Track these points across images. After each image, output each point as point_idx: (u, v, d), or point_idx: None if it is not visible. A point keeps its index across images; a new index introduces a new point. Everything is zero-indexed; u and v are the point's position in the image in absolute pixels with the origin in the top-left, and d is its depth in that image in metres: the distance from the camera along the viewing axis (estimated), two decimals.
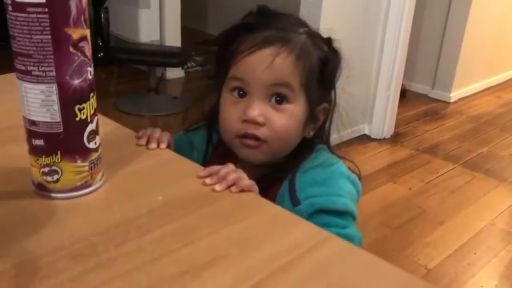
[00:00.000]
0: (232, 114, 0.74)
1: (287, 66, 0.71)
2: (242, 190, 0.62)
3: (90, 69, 0.56)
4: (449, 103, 3.76)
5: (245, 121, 0.72)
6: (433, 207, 2.33)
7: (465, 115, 3.57)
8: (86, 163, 0.59)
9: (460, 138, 3.14)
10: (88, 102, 0.57)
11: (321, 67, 0.75)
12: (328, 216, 0.69)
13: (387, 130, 3.05)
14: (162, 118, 3.19)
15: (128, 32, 3.77)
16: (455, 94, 3.80)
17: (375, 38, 2.86)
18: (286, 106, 0.73)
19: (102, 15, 4.04)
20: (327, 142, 0.81)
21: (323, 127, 0.80)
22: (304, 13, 0.79)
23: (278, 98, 0.72)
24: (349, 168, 0.77)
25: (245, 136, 0.73)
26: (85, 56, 0.55)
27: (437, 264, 1.91)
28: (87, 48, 0.55)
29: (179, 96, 3.50)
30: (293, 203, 0.70)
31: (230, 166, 0.65)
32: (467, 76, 3.85)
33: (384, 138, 3.03)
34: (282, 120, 0.72)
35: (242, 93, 0.74)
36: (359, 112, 2.95)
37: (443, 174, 2.65)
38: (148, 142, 0.74)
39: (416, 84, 3.91)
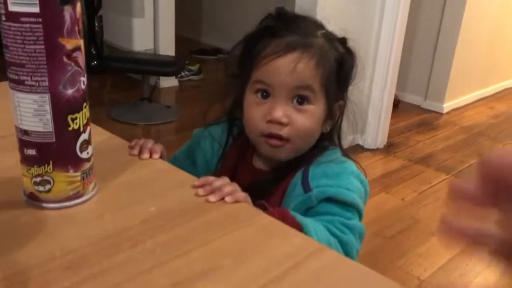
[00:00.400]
0: (257, 113, 0.78)
1: (309, 70, 0.75)
2: (237, 201, 0.62)
3: (83, 79, 0.56)
4: (441, 114, 3.78)
5: (269, 121, 0.76)
6: (426, 217, 2.33)
7: (458, 125, 3.59)
8: (78, 173, 0.58)
9: (453, 149, 3.15)
10: (81, 112, 0.57)
11: (338, 67, 0.79)
12: (336, 206, 0.72)
13: (380, 140, 3.06)
14: (155, 127, 3.18)
15: (122, 41, 3.77)
16: (447, 105, 3.82)
17: (368, 49, 2.87)
18: (307, 107, 0.77)
19: (96, 24, 4.04)
20: (339, 139, 0.86)
21: (337, 124, 0.85)
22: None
23: (299, 100, 0.76)
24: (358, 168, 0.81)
25: (270, 135, 0.77)
26: (79, 66, 0.55)
27: (430, 275, 1.91)
28: (81, 58, 0.55)
29: (172, 105, 3.50)
30: (305, 190, 0.75)
31: (226, 179, 0.65)
32: (459, 87, 3.87)
33: (377, 149, 3.04)
34: (304, 120, 0.77)
35: (265, 95, 0.78)
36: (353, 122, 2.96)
37: (435, 184, 2.66)
38: (140, 152, 0.74)
39: (409, 95, 3.93)
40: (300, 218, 0.65)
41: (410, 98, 3.93)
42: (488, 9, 3.80)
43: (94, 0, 3.93)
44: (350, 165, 0.80)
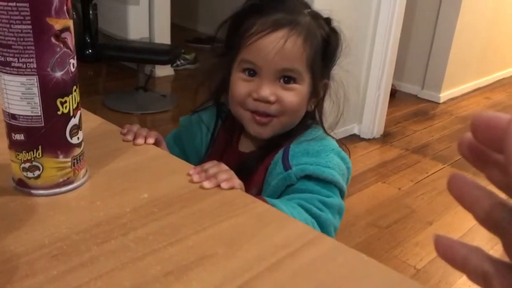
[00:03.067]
0: (243, 89, 0.78)
1: (297, 48, 0.75)
2: (232, 188, 0.61)
3: (73, 61, 0.54)
4: (438, 103, 3.77)
5: (256, 99, 0.77)
6: (422, 207, 2.33)
7: (454, 115, 3.58)
8: (69, 159, 0.57)
9: (449, 139, 3.14)
10: (70, 96, 0.55)
11: (324, 46, 0.80)
12: (315, 183, 0.73)
13: (377, 130, 3.05)
14: (150, 116, 3.16)
15: (116, 29, 3.73)
16: (444, 95, 3.81)
17: (365, 39, 2.85)
18: (293, 85, 0.78)
19: (91, 12, 3.99)
20: (320, 117, 0.86)
21: (320, 103, 0.85)
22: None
23: (286, 79, 0.77)
24: (340, 146, 0.82)
25: (257, 113, 0.78)
26: (68, 47, 0.53)
27: (426, 264, 1.91)
28: (70, 39, 0.53)
29: (167, 94, 3.47)
30: (285, 168, 0.75)
31: (222, 166, 0.64)
32: (456, 77, 3.86)
33: (374, 138, 3.03)
34: (291, 98, 0.77)
35: (252, 73, 0.78)
36: (349, 112, 2.95)
37: (432, 174, 2.65)
38: (135, 138, 0.72)
39: (406, 84, 3.92)
40: (277, 204, 0.64)
41: (407, 87, 3.92)
42: (485, 0, 3.78)
43: None
44: (331, 142, 0.80)
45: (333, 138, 0.83)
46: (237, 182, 0.62)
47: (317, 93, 0.83)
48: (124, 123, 0.77)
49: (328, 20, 0.82)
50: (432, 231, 2.14)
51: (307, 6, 0.81)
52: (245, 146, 0.85)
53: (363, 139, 3.01)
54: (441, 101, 3.79)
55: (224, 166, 0.64)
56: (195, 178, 0.61)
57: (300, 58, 0.76)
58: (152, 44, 3.58)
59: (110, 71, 3.93)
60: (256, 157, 0.81)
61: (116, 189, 0.59)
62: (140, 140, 0.71)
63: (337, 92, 0.84)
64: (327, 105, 0.86)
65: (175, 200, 0.57)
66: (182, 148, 0.91)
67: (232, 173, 0.63)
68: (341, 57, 0.84)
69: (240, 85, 0.78)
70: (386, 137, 3.07)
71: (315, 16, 0.80)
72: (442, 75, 3.74)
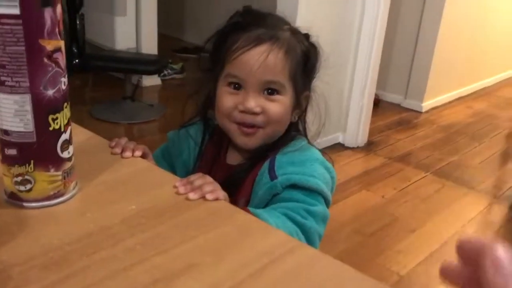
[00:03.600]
0: (229, 102, 0.81)
1: (279, 61, 0.79)
2: (217, 199, 0.63)
3: (64, 80, 0.57)
4: (421, 112, 3.84)
5: (242, 111, 0.80)
6: (405, 214, 2.37)
7: (436, 124, 3.65)
8: (59, 173, 0.59)
9: (432, 147, 3.20)
10: (61, 112, 0.57)
11: (304, 60, 0.84)
12: (300, 192, 0.76)
13: (361, 139, 3.09)
14: (137, 126, 3.17)
15: (104, 40, 3.74)
16: (427, 104, 3.88)
17: (348, 49, 2.91)
18: (277, 97, 0.81)
19: (78, 22, 3.99)
20: (304, 128, 0.90)
21: (304, 114, 0.89)
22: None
23: (270, 91, 0.81)
24: (324, 156, 0.85)
25: (243, 124, 0.81)
26: (59, 67, 0.55)
27: (409, 271, 1.94)
28: (61, 59, 0.56)
29: (155, 104, 3.49)
30: (271, 178, 0.78)
31: (207, 178, 0.67)
32: (438, 86, 3.94)
33: (358, 147, 3.08)
34: (276, 108, 0.81)
35: (238, 86, 0.81)
36: (333, 122, 2.99)
37: (415, 182, 2.70)
38: (123, 151, 0.74)
39: (389, 94, 3.98)
40: (262, 215, 0.66)
41: (391, 97, 3.98)
42: (467, 10, 3.87)
43: None
44: (315, 152, 0.84)
45: (317, 148, 0.86)
46: (221, 193, 0.65)
47: (300, 105, 0.86)
48: (112, 133, 0.80)
49: (307, 36, 0.86)
50: (414, 238, 2.18)
51: (287, 23, 0.85)
52: (233, 159, 0.88)
53: (348, 148, 3.05)
54: (424, 110, 3.86)
55: (209, 178, 0.67)
56: (181, 190, 0.64)
57: (282, 70, 0.80)
58: (139, 54, 3.60)
59: (97, 81, 3.94)
60: (244, 169, 0.84)
61: (105, 201, 0.62)
62: (127, 153, 0.74)
63: (319, 104, 0.88)
64: (310, 116, 0.90)
65: (162, 211, 0.60)
66: (170, 163, 0.93)
67: (216, 184, 0.66)
68: (320, 70, 0.87)
69: (226, 98, 0.82)
70: (370, 146, 3.12)
71: (294, 31, 0.84)
72: (424, 85, 3.80)
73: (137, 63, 3.23)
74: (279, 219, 0.69)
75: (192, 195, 0.63)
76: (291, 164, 0.79)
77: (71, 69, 4.10)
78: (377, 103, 3.59)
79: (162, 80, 3.95)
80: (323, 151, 0.87)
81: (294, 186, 0.76)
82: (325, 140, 2.93)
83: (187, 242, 0.54)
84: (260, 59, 0.78)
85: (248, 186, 0.81)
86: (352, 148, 3.05)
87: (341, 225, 2.20)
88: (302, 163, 0.79)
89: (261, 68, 0.78)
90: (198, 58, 0.94)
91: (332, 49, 2.71)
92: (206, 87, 0.88)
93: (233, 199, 0.72)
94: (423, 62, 3.77)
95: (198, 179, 0.66)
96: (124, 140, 0.77)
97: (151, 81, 3.83)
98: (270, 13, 0.85)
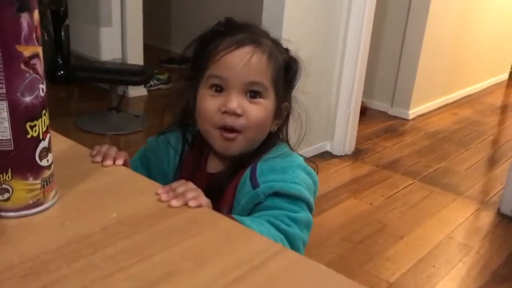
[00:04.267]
0: (211, 105, 0.80)
1: (262, 64, 0.79)
2: (200, 206, 0.63)
3: (42, 86, 0.56)
4: (407, 120, 3.87)
5: (224, 112, 0.79)
6: (393, 221, 2.38)
7: (423, 131, 3.67)
8: (38, 181, 0.58)
9: (418, 154, 3.22)
10: (40, 119, 0.56)
11: (286, 68, 0.84)
12: (283, 200, 0.75)
13: (348, 147, 3.10)
14: (124, 137, 3.15)
15: (89, 50, 3.72)
16: (413, 112, 3.91)
17: (334, 59, 2.92)
18: (260, 100, 0.80)
19: (63, 33, 3.98)
20: (286, 137, 0.89)
21: (284, 125, 0.88)
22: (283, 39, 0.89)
23: (252, 93, 0.80)
24: (306, 162, 0.85)
25: (224, 127, 0.79)
26: (37, 73, 0.55)
27: (398, 277, 1.94)
28: (39, 65, 0.55)
29: (141, 115, 3.47)
30: (253, 187, 0.77)
31: (190, 185, 0.66)
32: (424, 94, 3.97)
33: (346, 155, 3.09)
34: (258, 111, 0.80)
35: (219, 89, 0.80)
36: (321, 130, 3.00)
37: (402, 189, 2.71)
38: (103, 159, 0.74)
39: (376, 102, 4.01)
40: (245, 223, 0.66)
41: (377, 105, 4.01)
42: (450, 20, 3.92)
43: (60, 10, 3.88)
44: (297, 158, 0.83)
45: (298, 154, 0.86)
46: (204, 200, 0.64)
47: (280, 114, 0.86)
48: (97, 144, 0.79)
49: (286, 50, 0.86)
50: (403, 245, 2.19)
51: (267, 33, 0.85)
52: (213, 167, 0.87)
53: (335, 156, 3.06)
54: (410, 117, 3.89)
55: (191, 185, 0.66)
56: (163, 197, 0.63)
57: (266, 73, 0.80)
58: (124, 65, 3.58)
59: (83, 92, 3.91)
60: (225, 177, 0.83)
61: (86, 210, 0.61)
62: (108, 162, 0.73)
63: (300, 114, 0.88)
64: (291, 125, 0.89)
65: (143, 219, 0.59)
66: (148, 169, 0.92)
67: (199, 191, 0.65)
68: (301, 82, 0.87)
69: (208, 101, 0.80)
70: (357, 154, 3.13)
71: (276, 42, 0.84)
72: (410, 93, 3.83)
73: (122, 74, 3.21)
74: (263, 226, 0.69)
75: (174, 202, 0.62)
76: (272, 171, 0.78)
77: (56, 81, 4.09)
78: (364, 111, 3.61)
79: (148, 91, 3.93)
80: (308, 159, 0.86)
81: (276, 194, 0.75)
82: (312, 149, 2.93)
83: (168, 249, 0.54)
84: (245, 59, 0.77)
85: (230, 194, 0.81)
86: (340, 156, 3.06)
87: (330, 233, 2.20)
88: (284, 170, 0.78)
89: (245, 68, 0.77)
90: (178, 67, 0.94)
91: (317, 58, 2.76)
92: (186, 96, 0.86)
93: (216, 208, 0.71)
94: (409, 70, 3.80)
95: (181, 186, 0.65)
96: (105, 147, 0.76)
97: (137, 92, 3.81)
98: (252, 24, 0.85)
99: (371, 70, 3.41)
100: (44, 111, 0.57)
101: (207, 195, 0.67)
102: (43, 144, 0.58)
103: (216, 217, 0.61)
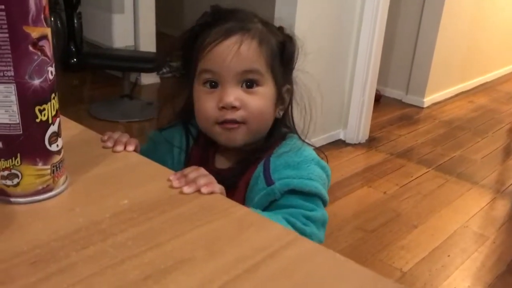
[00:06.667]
0: (208, 103, 0.77)
1: (252, 51, 0.75)
2: (212, 192, 0.61)
3: (51, 69, 0.55)
4: (422, 108, 3.82)
5: (222, 108, 0.76)
6: (408, 210, 2.35)
7: (438, 119, 3.62)
8: (48, 166, 0.57)
9: (433, 142, 3.18)
10: (49, 103, 0.55)
11: (281, 50, 0.80)
12: (298, 197, 0.73)
13: (362, 135, 3.07)
14: (136, 124, 3.15)
15: (101, 38, 3.72)
16: (428, 99, 3.86)
17: (348, 44, 2.88)
18: (257, 89, 0.77)
19: (75, 21, 3.98)
20: (293, 126, 0.86)
21: (289, 109, 0.85)
22: (278, 18, 0.81)
23: (248, 83, 0.77)
24: (316, 151, 0.82)
25: (224, 122, 0.77)
26: (46, 55, 0.53)
27: (412, 267, 1.92)
28: (48, 47, 0.53)
29: (153, 102, 3.47)
30: (267, 184, 0.74)
31: (201, 170, 0.64)
32: (439, 81, 3.91)
33: (359, 143, 3.06)
34: (256, 101, 0.77)
35: (214, 84, 0.77)
36: (334, 118, 2.97)
37: (417, 178, 2.68)
38: (114, 145, 0.72)
39: (391, 89, 3.96)
40: (262, 215, 0.64)
41: (392, 92, 3.96)
42: (467, 5, 3.84)
43: None
44: (310, 152, 0.80)
45: (310, 145, 0.83)
46: (217, 186, 0.62)
47: (283, 99, 0.82)
48: (110, 132, 0.77)
49: (280, 28, 0.82)
50: (417, 234, 2.16)
51: (257, 16, 0.81)
52: (222, 163, 0.84)
53: (349, 144, 3.03)
54: (425, 105, 3.83)
55: (203, 171, 0.64)
56: (175, 183, 0.62)
57: (258, 59, 0.76)
58: (137, 52, 3.57)
59: (95, 79, 3.92)
60: (235, 173, 0.80)
61: (96, 196, 0.60)
62: (119, 147, 0.71)
63: (303, 98, 0.84)
64: (296, 113, 0.85)
65: (154, 206, 0.58)
66: None
67: (212, 177, 0.64)
68: (299, 61, 0.84)
69: (204, 99, 0.78)
70: (371, 142, 3.10)
71: (266, 23, 0.80)
72: (425, 80, 3.78)
73: (134, 61, 3.20)
74: (281, 222, 0.66)
75: (186, 189, 0.61)
76: (287, 167, 0.75)
77: (68, 68, 4.10)
78: (378, 98, 3.57)
79: (161, 78, 3.92)
80: (318, 148, 0.84)
81: (292, 191, 0.73)
82: (326, 137, 2.90)
83: (180, 237, 0.52)
84: (233, 49, 0.74)
85: (241, 191, 0.78)
86: (353, 145, 3.03)
87: (343, 222, 2.18)
88: (298, 165, 0.76)
89: (234, 58, 0.74)
90: (170, 70, 0.90)
91: (331, 44, 2.71)
92: (183, 92, 0.83)
93: None
94: (424, 57, 3.75)
95: (193, 171, 0.63)
96: (117, 134, 0.75)
97: (149, 79, 3.80)
98: (239, 9, 0.81)
99: (386, 57, 3.36)
100: (53, 95, 0.56)
101: None
102: (53, 128, 0.56)
103: (230, 205, 0.60)
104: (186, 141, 0.88)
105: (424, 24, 3.69)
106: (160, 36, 3.91)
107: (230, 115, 0.76)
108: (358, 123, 3.03)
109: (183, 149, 0.87)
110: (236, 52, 0.74)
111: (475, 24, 4.05)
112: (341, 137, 3.07)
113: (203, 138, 0.85)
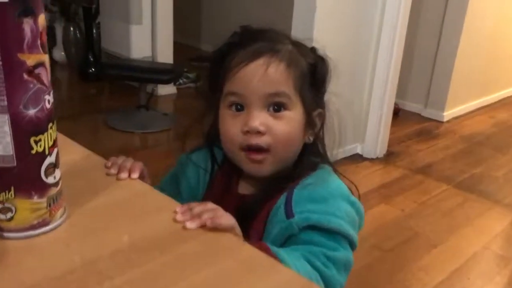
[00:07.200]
0: (233, 127, 0.74)
1: (280, 74, 0.71)
2: (218, 227, 0.57)
3: (49, 98, 0.51)
4: (442, 122, 3.73)
5: (247, 132, 0.72)
6: (426, 229, 2.28)
7: (458, 134, 3.54)
8: (44, 199, 0.54)
9: (453, 158, 3.10)
10: (45, 133, 0.52)
11: (312, 72, 0.76)
12: (320, 234, 0.67)
13: (380, 149, 3.01)
14: (152, 135, 3.14)
15: (119, 48, 3.73)
16: (448, 113, 3.77)
17: (367, 57, 2.83)
18: (284, 113, 0.73)
19: (94, 31, 4.00)
20: (324, 151, 0.80)
21: (320, 134, 0.80)
22: (296, 34, 0.79)
23: (275, 107, 0.72)
24: (350, 190, 0.76)
25: (249, 148, 0.73)
26: (42, 83, 0.50)
27: None
28: (45, 74, 0.50)
29: (169, 113, 3.46)
30: (287, 216, 0.69)
31: (209, 205, 0.60)
32: (460, 95, 3.83)
33: (377, 158, 2.99)
34: (283, 126, 0.72)
35: (240, 107, 0.73)
36: (352, 131, 2.92)
37: (436, 195, 2.61)
38: (119, 172, 0.69)
39: (409, 103, 3.89)
40: (280, 254, 0.60)
41: (410, 106, 3.89)
42: (488, 18, 3.76)
43: (92, 7, 3.90)
44: (338, 185, 0.74)
45: (343, 176, 0.77)
46: (223, 220, 0.58)
47: (313, 124, 0.77)
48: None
49: (313, 49, 0.79)
50: (436, 254, 2.09)
51: (288, 37, 0.77)
52: (246, 188, 0.80)
53: (366, 159, 2.97)
54: (445, 120, 3.75)
55: (211, 205, 0.60)
56: (178, 217, 0.58)
57: (286, 81, 0.72)
58: (153, 63, 3.58)
59: (113, 89, 3.93)
60: (257, 200, 0.75)
61: (95, 230, 0.56)
62: (123, 174, 0.68)
63: (333, 121, 0.79)
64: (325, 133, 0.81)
65: (156, 243, 0.54)
66: (178, 189, 0.86)
67: (220, 211, 0.59)
68: (332, 83, 0.79)
69: (229, 123, 0.74)
70: (389, 157, 3.03)
71: (297, 44, 0.77)
72: (445, 94, 3.70)
73: (151, 72, 3.20)
74: (299, 262, 0.62)
75: (189, 224, 0.57)
76: (310, 201, 0.70)
77: (87, 77, 4.15)
78: (397, 112, 3.50)
79: (177, 89, 3.92)
80: (346, 177, 0.78)
81: (313, 227, 0.67)
82: (343, 151, 2.85)
83: (183, 280, 0.48)
84: (259, 71, 0.71)
85: (261, 220, 0.73)
86: (371, 159, 2.97)
87: (359, 240, 2.11)
88: (324, 200, 0.70)
89: (261, 81, 0.71)
90: (196, 90, 0.88)
91: (350, 57, 2.67)
92: (209, 115, 0.80)
93: (245, 234, 0.64)
94: (444, 70, 3.67)
95: (199, 206, 0.60)
96: (121, 159, 0.71)
97: (166, 90, 3.80)
98: (270, 28, 0.77)
99: (405, 69, 3.29)
100: (50, 124, 0.52)
101: (237, 219, 0.61)
102: (49, 159, 0.53)
103: (237, 243, 0.56)
104: (211, 164, 0.84)
105: (445, 35, 3.62)
106: (178, 46, 3.91)
107: (255, 140, 0.72)
108: (376, 137, 2.97)
109: (208, 171, 0.84)
110: (263, 74, 0.71)
111: (497, 37, 3.97)
112: (358, 151, 3.01)
113: (228, 164, 0.82)
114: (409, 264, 2.00)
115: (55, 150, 0.54)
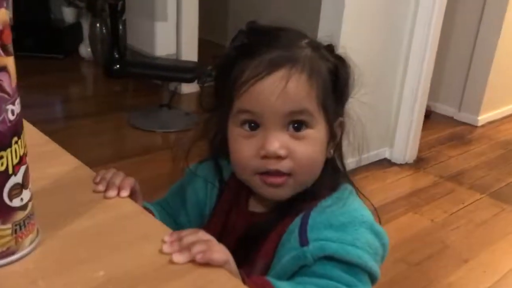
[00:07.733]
0: (247, 150, 0.65)
1: (302, 88, 0.63)
2: (209, 262, 0.49)
3: (13, 107, 0.44)
4: (476, 126, 3.57)
5: (264, 156, 0.63)
6: (457, 242, 2.16)
7: (494, 140, 3.37)
8: (8, 226, 0.46)
9: (488, 166, 2.95)
10: (8, 150, 0.44)
11: (333, 78, 0.67)
12: (336, 267, 0.59)
13: (410, 154, 2.88)
14: (173, 135, 3.09)
15: (144, 45, 3.71)
16: (483, 118, 3.61)
17: (398, 56, 2.72)
18: (306, 132, 0.64)
19: (120, 27, 3.99)
20: (341, 162, 0.72)
21: (339, 146, 0.71)
22: (323, 34, 0.71)
23: (296, 125, 0.64)
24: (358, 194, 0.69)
25: (267, 172, 0.64)
26: (4, 91, 0.42)
27: None
28: (7, 80, 0.43)
29: (192, 112, 3.40)
30: (301, 243, 0.61)
31: (200, 234, 0.52)
32: (496, 98, 3.65)
33: (406, 163, 2.87)
34: (306, 148, 0.64)
35: (254, 126, 0.64)
36: (380, 135, 2.81)
37: (468, 205, 2.48)
38: (107, 189, 0.61)
39: (442, 105, 3.73)
40: None
41: (443, 109, 3.73)
42: None
43: (118, 3, 3.89)
44: (361, 210, 0.65)
45: (364, 196, 0.69)
46: (216, 255, 0.49)
47: (334, 135, 0.69)
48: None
49: (330, 48, 0.69)
50: (467, 270, 1.97)
51: (304, 36, 0.68)
52: (257, 205, 0.72)
53: (395, 164, 2.85)
54: (479, 124, 3.59)
55: (203, 235, 0.52)
56: (165, 248, 0.50)
57: (308, 96, 0.63)
58: (177, 61, 3.53)
59: (136, 86, 3.91)
60: (269, 220, 0.67)
61: (68, 262, 0.48)
62: (111, 192, 0.60)
63: (355, 130, 0.70)
64: (344, 146, 0.71)
65: (136, 281, 0.46)
66: (183, 200, 0.78)
67: (212, 243, 0.51)
68: (356, 89, 0.70)
69: (242, 145, 0.65)
70: (419, 163, 2.91)
71: (316, 46, 0.67)
72: (481, 97, 3.54)
73: (174, 71, 3.15)
74: None
75: (176, 257, 0.48)
76: (328, 227, 0.62)
77: (111, 74, 4.15)
78: (428, 115, 3.36)
79: (201, 87, 3.86)
80: (360, 192, 0.69)
81: (329, 258, 0.59)
82: (370, 156, 2.74)
83: None
84: (278, 87, 0.61)
85: (271, 243, 0.64)
86: (400, 165, 2.84)
87: None
88: (343, 227, 0.61)
89: (280, 98, 0.61)
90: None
91: (380, 56, 2.55)
92: (214, 129, 0.71)
93: (251, 258, 0.56)
94: (481, 71, 3.50)
95: (190, 235, 0.51)
96: (110, 174, 0.63)
97: (189, 88, 3.75)
98: (282, 28, 0.68)
99: (438, 69, 3.16)
100: (15, 139, 0.45)
101: (245, 239, 0.54)
102: (14, 179, 0.45)
103: (231, 283, 0.47)
104: (219, 179, 0.76)
105: (482, 35, 3.46)
106: (203, 43, 3.86)
107: (274, 165, 0.63)
108: (405, 142, 2.85)
109: (216, 185, 0.76)
110: (282, 90, 0.61)
111: None
112: (387, 156, 2.89)
113: (234, 181, 0.73)
114: (437, 280, 1.89)
115: (23, 168, 0.46)
